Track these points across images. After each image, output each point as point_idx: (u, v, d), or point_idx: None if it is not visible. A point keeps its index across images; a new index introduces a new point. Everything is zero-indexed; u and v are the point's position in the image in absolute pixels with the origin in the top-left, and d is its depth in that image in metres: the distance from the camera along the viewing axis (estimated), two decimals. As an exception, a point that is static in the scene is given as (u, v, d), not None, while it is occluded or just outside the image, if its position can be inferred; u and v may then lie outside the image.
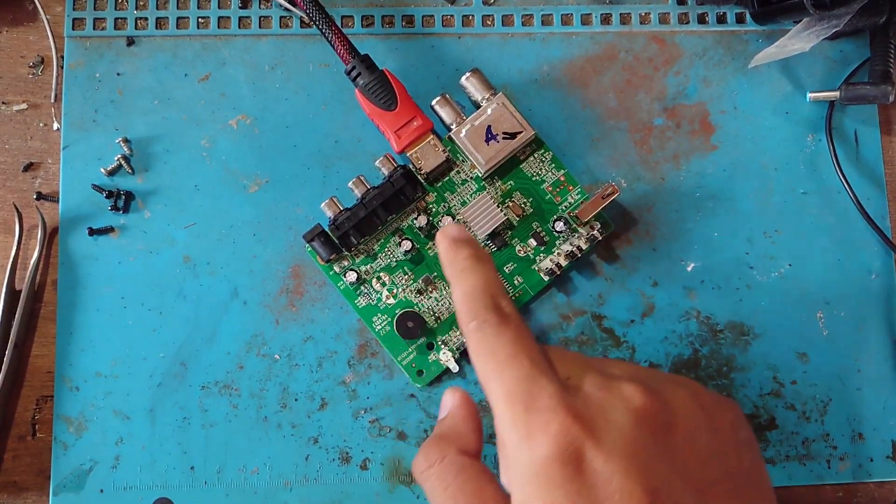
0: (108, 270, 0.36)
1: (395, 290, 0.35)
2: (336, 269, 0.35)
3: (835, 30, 0.35)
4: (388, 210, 0.34)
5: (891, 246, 0.38)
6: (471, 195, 0.36)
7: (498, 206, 0.35)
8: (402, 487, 0.35)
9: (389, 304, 0.35)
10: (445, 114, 0.35)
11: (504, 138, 0.35)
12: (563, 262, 0.35)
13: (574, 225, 0.36)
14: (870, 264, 0.38)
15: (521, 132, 0.35)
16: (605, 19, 0.39)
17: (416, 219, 0.35)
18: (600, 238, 0.36)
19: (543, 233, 0.36)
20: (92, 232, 0.36)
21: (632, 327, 0.37)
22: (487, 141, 0.35)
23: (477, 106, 0.36)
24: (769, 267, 0.37)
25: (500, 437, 0.24)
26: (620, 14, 0.39)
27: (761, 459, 0.27)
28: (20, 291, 0.35)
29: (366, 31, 0.38)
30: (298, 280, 0.36)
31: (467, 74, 0.36)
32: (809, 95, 0.38)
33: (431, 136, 0.35)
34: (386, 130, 0.35)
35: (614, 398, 0.24)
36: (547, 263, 0.36)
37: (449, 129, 0.35)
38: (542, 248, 0.36)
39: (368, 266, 0.35)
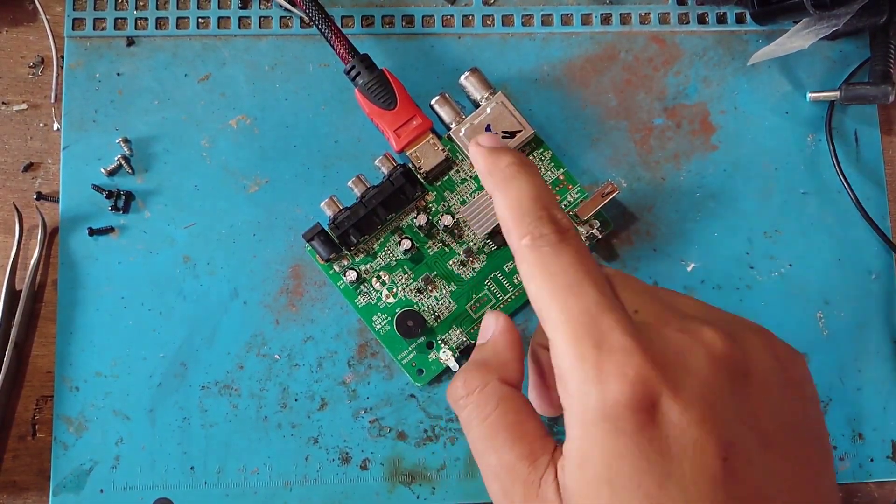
0: (108, 270, 0.36)
1: (394, 289, 0.35)
2: (336, 268, 0.35)
3: (834, 29, 0.35)
4: (388, 209, 0.34)
5: (891, 246, 0.38)
6: (470, 194, 0.36)
7: None
8: (402, 487, 0.35)
9: (389, 303, 0.35)
10: (445, 113, 0.35)
11: (503, 137, 0.35)
12: None
13: (574, 224, 0.35)
14: (870, 264, 0.38)
15: (520, 131, 0.35)
16: (605, 19, 0.39)
17: (415, 218, 0.35)
18: (600, 237, 0.36)
19: None
20: (92, 232, 0.36)
21: (632, 327, 0.37)
22: None
23: (476, 105, 0.36)
24: (769, 267, 0.37)
25: (561, 373, 0.22)
26: (620, 14, 0.39)
27: (822, 417, 0.25)
28: (20, 291, 0.35)
29: (366, 31, 0.38)
30: (298, 280, 0.36)
31: (466, 74, 0.36)
32: (809, 95, 0.38)
33: (431, 136, 0.35)
34: (385, 130, 0.35)
35: (694, 343, 0.22)
36: None
37: (448, 129, 0.35)
38: None
39: (368, 265, 0.35)
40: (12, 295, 0.35)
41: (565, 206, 0.36)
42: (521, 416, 0.24)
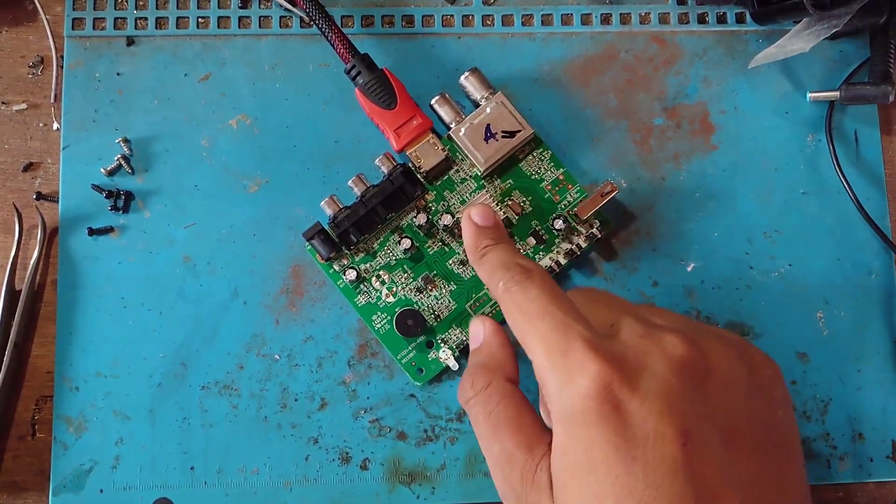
0: (108, 270, 0.36)
1: (394, 289, 0.35)
2: (336, 267, 0.35)
3: (835, 30, 0.35)
4: (388, 208, 0.34)
5: (891, 246, 0.38)
6: (470, 193, 0.36)
7: (497, 205, 0.35)
8: (402, 487, 0.35)
9: (389, 303, 0.35)
10: (444, 112, 0.35)
11: (503, 137, 0.35)
12: (563, 261, 0.35)
13: (573, 223, 0.36)
14: (870, 264, 0.38)
15: (519, 131, 0.35)
16: (605, 19, 0.39)
17: (415, 217, 0.35)
18: (600, 236, 0.36)
19: (543, 231, 0.36)
20: (92, 232, 0.36)
21: (632, 327, 0.37)
22: (486, 139, 0.35)
23: (476, 105, 0.36)
24: (769, 267, 0.37)
25: (543, 384, 0.25)
26: (620, 14, 0.39)
27: (794, 420, 0.28)
28: (20, 291, 0.35)
29: (366, 31, 0.38)
30: (298, 280, 0.36)
31: (466, 74, 0.36)
32: (809, 95, 0.38)
33: (431, 135, 0.35)
34: (385, 129, 0.35)
35: (653, 346, 0.25)
36: (546, 262, 0.36)
37: (448, 128, 0.35)
38: (542, 247, 0.36)
39: (368, 264, 0.35)
40: (12, 295, 0.35)
41: (565, 205, 0.36)
42: (520, 411, 0.27)
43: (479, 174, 0.36)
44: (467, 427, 0.36)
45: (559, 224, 0.35)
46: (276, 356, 0.36)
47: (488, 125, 0.35)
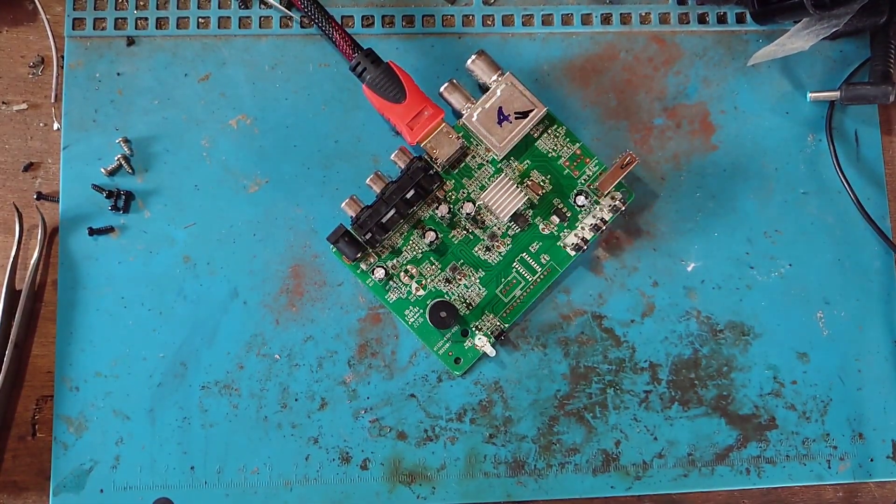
0: (108, 270, 0.36)
1: (423, 282, 0.36)
2: (363, 266, 0.35)
3: (835, 29, 0.35)
4: (409, 203, 0.34)
5: (891, 246, 0.38)
6: (489, 178, 0.36)
7: (517, 187, 0.35)
8: (402, 487, 0.35)
9: (420, 296, 0.36)
10: (455, 100, 0.36)
11: (516, 118, 0.35)
12: (588, 236, 0.36)
13: (595, 197, 0.36)
14: (870, 264, 0.38)
15: (532, 109, 0.35)
16: (605, 19, 0.39)
17: (436, 209, 0.35)
18: (623, 208, 0.36)
19: (565, 208, 0.36)
20: (92, 232, 0.36)
21: (632, 327, 0.37)
22: (500, 122, 0.35)
23: (485, 89, 0.36)
24: (769, 267, 0.37)
25: None
26: (620, 14, 0.39)
27: None
28: (20, 291, 0.35)
29: (366, 31, 0.38)
30: (298, 280, 0.36)
31: (473, 57, 0.35)
32: (810, 95, 0.38)
33: (444, 124, 0.35)
34: (397, 123, 0.35)
35: None
36: (572, 239, 0.36)
37: (460, 116, 0.35)
38: (566, 224, 0.36)
39: (394, 261, 0.36)
40: (12, 295, 0.35)
41: (584, 180, 0.36)
42: None
43: (497, 158, 0.36)
44: (467, 427, 0.36)
45: (581, 200, 0.35)
46: (276, 356, 0.36)
47: (500, 108, 0.35)
